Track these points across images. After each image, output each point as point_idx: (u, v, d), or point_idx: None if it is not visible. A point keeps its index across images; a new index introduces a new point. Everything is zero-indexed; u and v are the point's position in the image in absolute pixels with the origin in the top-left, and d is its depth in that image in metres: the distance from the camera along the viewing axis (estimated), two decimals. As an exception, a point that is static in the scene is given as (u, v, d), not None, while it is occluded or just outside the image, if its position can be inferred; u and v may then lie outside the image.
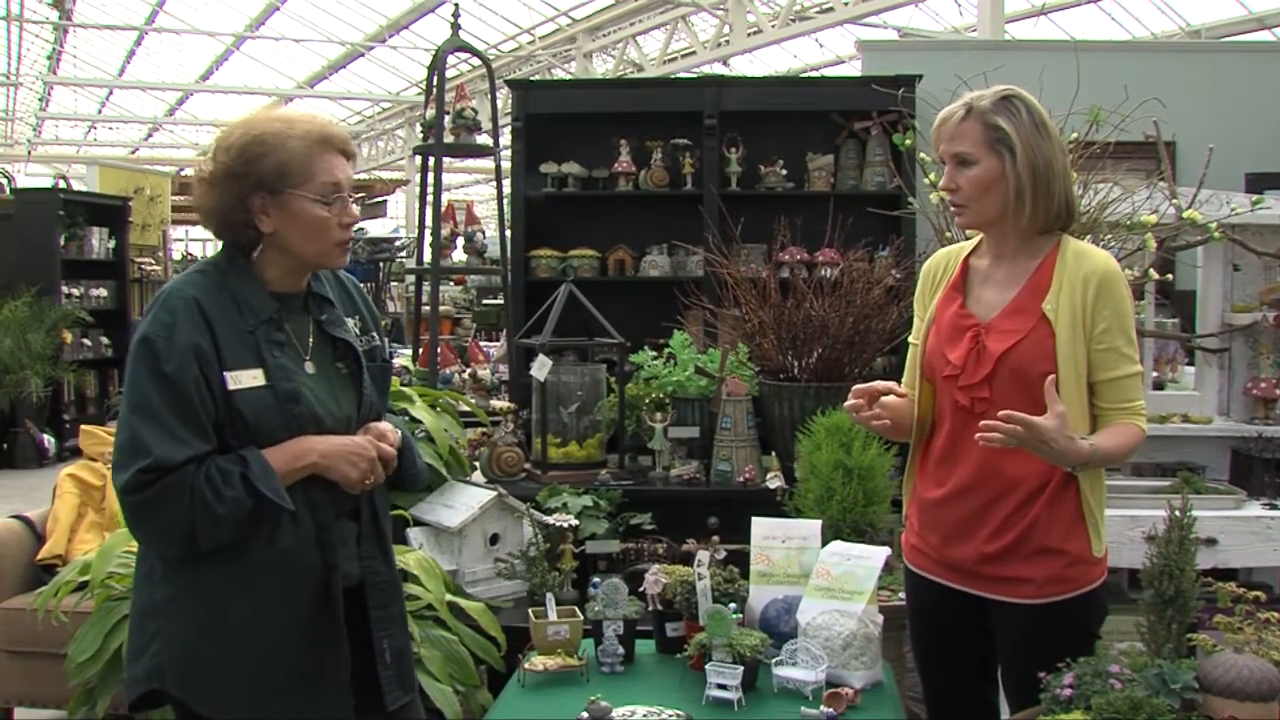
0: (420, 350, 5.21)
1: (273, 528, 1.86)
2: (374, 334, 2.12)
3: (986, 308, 2.19)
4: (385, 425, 2.04)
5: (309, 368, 1.96)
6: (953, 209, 2.21)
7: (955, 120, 2.14)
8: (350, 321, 2.07)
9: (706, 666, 2.34)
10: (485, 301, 11.17)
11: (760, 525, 2.67)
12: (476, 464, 4.05)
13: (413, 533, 3.40)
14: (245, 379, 1.86)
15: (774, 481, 3.82)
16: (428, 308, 5.14)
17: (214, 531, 1.79)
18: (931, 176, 3.89)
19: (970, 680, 2.31)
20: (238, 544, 1.84)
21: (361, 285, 2.21)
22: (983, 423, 1.98)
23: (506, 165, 5.28)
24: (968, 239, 2.37)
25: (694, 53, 13.17)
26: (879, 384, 2.21)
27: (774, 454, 3.98)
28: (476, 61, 5.40)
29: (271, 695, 1.90)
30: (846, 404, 2.22)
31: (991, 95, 2.13)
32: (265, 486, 1.81)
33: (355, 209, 1.99)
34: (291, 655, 1.90)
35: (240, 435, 1.85)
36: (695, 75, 11.36)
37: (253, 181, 1.89)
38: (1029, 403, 2.00)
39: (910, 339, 2.36)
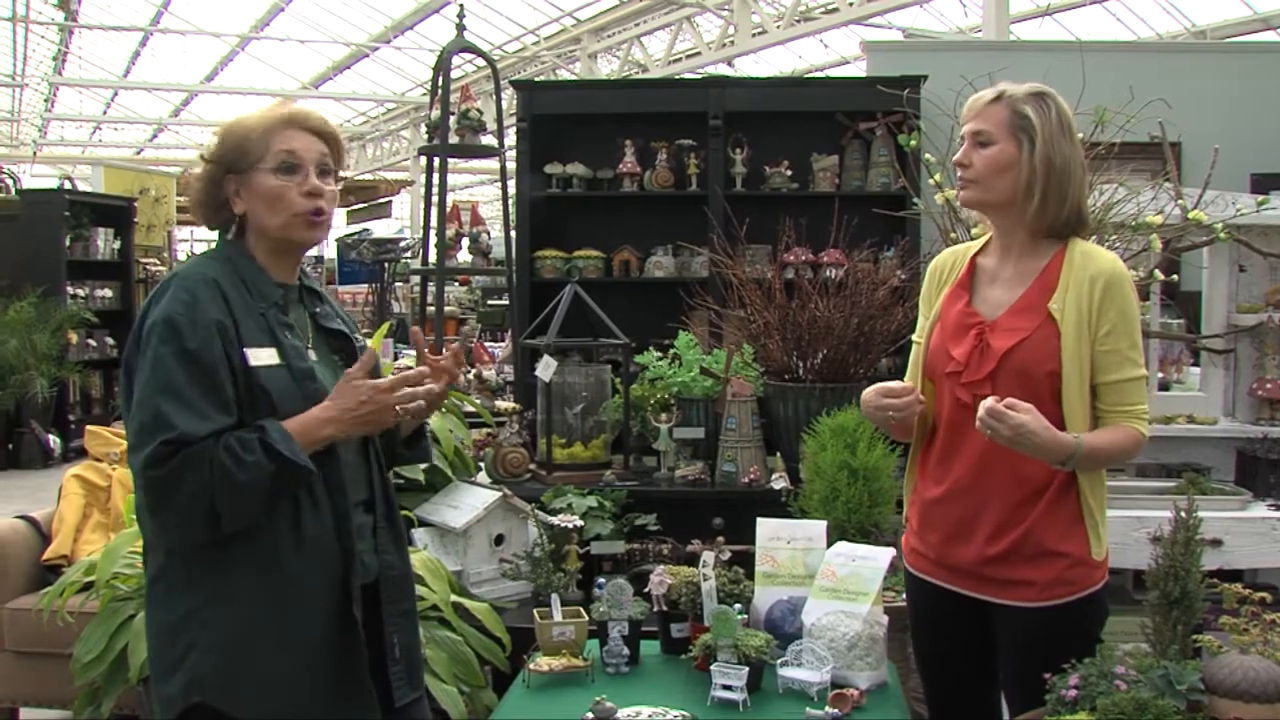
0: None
1: (294, 511, 1.84)
2: (355, 335, 2.14)
3: (992, 306, 2.19)
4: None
5: (311, 355, 1.98)
6: (960, 184, 2.20)
7: (984, 102, 2.17)
8: None
9: (711, 667, 2.33)
10: (490, 302, 11.21)
11: (765, 526, 2.67)
12: (481, 465, 4.05)
13: (418, 533, 3.40)
14: (263, 357, 1.86)
15: (779, 482, 3.82)
16: (433, 308, 5.14)
17: (235, 503, 1.76)
18: (937, 177, 3.88)
19: (972, 681, 2.30)
20: (260, 538, 1.82)
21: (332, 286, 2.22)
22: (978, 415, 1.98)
23: (511, 166, 5.28)
24: (973, 239, 2.37)
25: (699, 53, 13.17)
26: (894, 384, 2.19)
27: (779, 455, 3.98)
28: (481, 62, 5.41)
29: (309, 694, 1.88)
30: (885, 402, 2.16)
31: (1026, 88, 2.16)
32: (285, 449, 1.79)
33: (323, 184, 1.95)
34: (321, 651, 1.89)
35: (261, 414, 1.83)
36: (700, 76, 11.37)
37: (224, 166, 1.94)
38: (1031, 402, 2.00)
39: (914, 337, 2.36)
